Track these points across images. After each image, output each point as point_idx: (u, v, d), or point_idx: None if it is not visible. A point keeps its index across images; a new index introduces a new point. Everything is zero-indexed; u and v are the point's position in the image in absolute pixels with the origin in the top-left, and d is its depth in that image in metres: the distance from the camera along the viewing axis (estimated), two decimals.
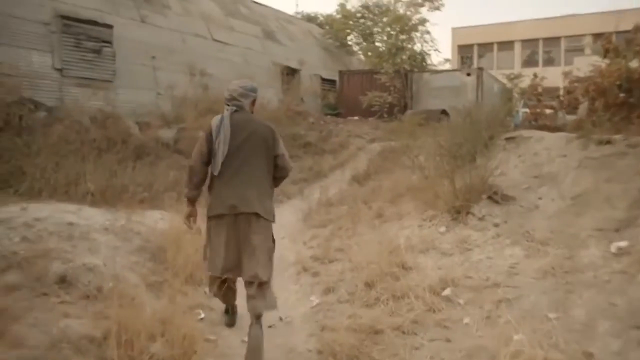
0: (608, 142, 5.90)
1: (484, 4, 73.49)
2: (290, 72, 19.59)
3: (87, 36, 13.14)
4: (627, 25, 10.56)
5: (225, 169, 3.93)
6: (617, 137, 5.98)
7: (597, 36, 25.01)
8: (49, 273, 4.30)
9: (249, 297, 3.95)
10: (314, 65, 23.23)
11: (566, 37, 32.62)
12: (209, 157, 3.99)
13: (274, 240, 4.19)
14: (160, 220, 6.59)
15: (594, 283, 3.89)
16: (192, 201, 4.21)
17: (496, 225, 5.24)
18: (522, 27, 33.88)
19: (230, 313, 4.55)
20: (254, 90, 4.19)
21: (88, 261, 4.59)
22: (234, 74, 17.20)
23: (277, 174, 4.21)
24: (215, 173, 3.93)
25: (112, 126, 10.02)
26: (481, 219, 5.39)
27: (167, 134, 11.01)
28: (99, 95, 12.84)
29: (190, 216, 4.25)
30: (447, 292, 4.17)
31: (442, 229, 5.47)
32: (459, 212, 5.54)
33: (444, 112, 14.97)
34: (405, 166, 7.43)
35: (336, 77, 22.32)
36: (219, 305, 4.82)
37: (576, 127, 7.76)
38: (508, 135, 7.33)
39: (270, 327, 4.43)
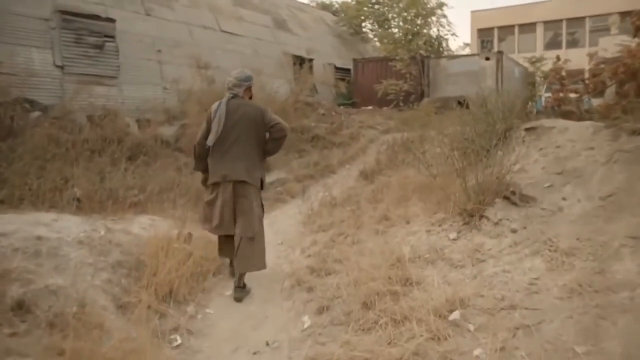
0: None
1: None
2: (302, 62, 18.96)
3: (88, 31, 12.79)
4: None
5: (219, 146, 4.81)
6: None
7: (624, 15, 23.91)
8: (6, 298, 3.83)
9: (237, 254, 4.82)
10: (327, 53, 22.59)
11: (591, 16, 31.29)
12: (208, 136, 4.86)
13: (262, 204, 5.19)
14: (149, 227, 6.11)
15: (631, 307, 3.25)
16: (201, 171, 5.15)
17: (514, 231, 4.58)
18: (544, 7, 32.64)
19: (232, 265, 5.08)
20: (247, 79, 4.99)
21: (52, 282, 4.10)
22: (243, 65, 16.69)
23: (274, 135, 4.97)
24: (210, 144, 4.81)
25: (108, 124, 9.56)
26: (497, 223, 4.73)
27: (168, 131, 10.53)
28: (101, 91, 12.48)
29: (205, 182, 5.12)
30: (455, 315, 3.56)
31: (453, 235, 4.84)
32: (472, 215, 4.89)
33: (462, 99, 14.26)
34: (416, 161, 6.78)
35: (350, 66, 21.64)
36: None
37: (604, 114, 7.03)
38: (528, 125, 6.62)
39: (255, 353, 3.90)
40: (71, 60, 12.27)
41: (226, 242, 5.01)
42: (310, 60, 19.99)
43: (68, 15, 12.40)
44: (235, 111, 4.80)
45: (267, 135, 4.98)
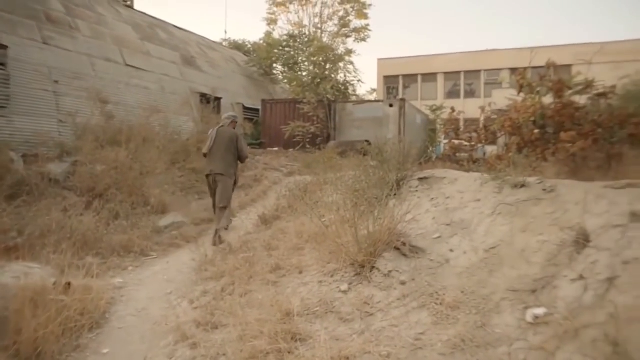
0: (523, 185, 5.47)
1: (412, 37, 75.82)
2: (210, 100, 18.75)
3: None
4: (540, 61, 10.54)
5: (211, 153, 8.02)
6: (532, 179, 5.55)
7: (514, 70, 25.89)
8: None
9: (218, 216, 8.00)
10: (236, 93, 22.53)
11: (486, 70, 33.71)
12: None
13: (235, 184, 8.45)
14: (23, 276, 5.57)
15: None
16: None
17: (403, 283, 4.59)
18: (445, 59, 34.80)
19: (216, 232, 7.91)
20: (231, 117, 8.54)
21: None
22: (148, 101, 16.24)
23: (239, 157, 8.30)
24: (206, 152, 8.09)
25: None
26: (387, 275, 4.73)
27: (58, 168, 9.83)
28: None
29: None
30: None
31: (344, 286, 4.77)
32: (363, 266, 4.87)
33: (367, 143, 14.60)
34: (309, 210, 6.73)
35: (259, 106, 21.67)
36: None
37: (491, 165, 7.38)
38: (421, 175, 6.81)
39: None
40: None
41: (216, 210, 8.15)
42: (219, 99, 19.81)
43: None
44: (220, 134, 8.12)
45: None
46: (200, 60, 22.06)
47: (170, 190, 10.08)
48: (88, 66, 15.76)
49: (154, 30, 21.00)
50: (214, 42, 27.24)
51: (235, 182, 8.50)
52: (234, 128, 8.43)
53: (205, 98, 18.69)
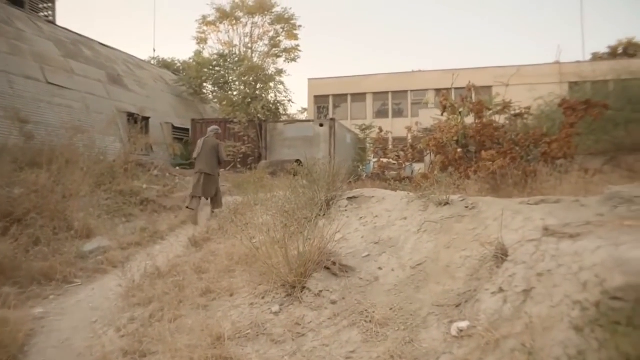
0: (447, 203, 5.70)
1: (342, 57, 77.37)
2: (138, 120, 18.29)
3: None
4: (463, 82, 11.06)
5: (198, 158, 10.46)
6: (455, 197, 5.80)
7: (439, 91, 27.01)
8: None
9: (212, 203, 10.56)
10: (165, 112, 22.13)
11: (412, 90, 34.86)
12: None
13: (218, 184, 10.86)
14: None
15: None
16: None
17: (333, 302, 4.65)
18: (373, 80, 35.68)
19: (195, 214, 10.08)
20: (215, 130, 11.06)
21: None
22: (71, 121, 15.65)
23: (219, 160, 10.75)
24: (195, 156, 10.58)
25: None
26: (317, 295, 4.77)
27: None
28: None
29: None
30: None
31: (276, 307, 4.77)
32: (294, 287, 4.89)
33: (298, 162, 14.72)
34: (239, 232, 6.69)
35: (189, 126, 21.37)
36: None
37: (418, 184, 7.64)
38: (350, 194, 6.94)
39: None
40: None
41: (196, 201, 10.14)
42: (147, 118, 19.38)
43: None
44: (207, 143, 10.52)
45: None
46: (127, 79, 21.55)
47: (95, 214, 9.70)
48: (5, 83, 15.03)
49: (78, 47, 20.35)
50: (141, 60, 26.72)
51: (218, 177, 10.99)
52: (218, 137, 10.99)
53: (132, 117, 18.23)
